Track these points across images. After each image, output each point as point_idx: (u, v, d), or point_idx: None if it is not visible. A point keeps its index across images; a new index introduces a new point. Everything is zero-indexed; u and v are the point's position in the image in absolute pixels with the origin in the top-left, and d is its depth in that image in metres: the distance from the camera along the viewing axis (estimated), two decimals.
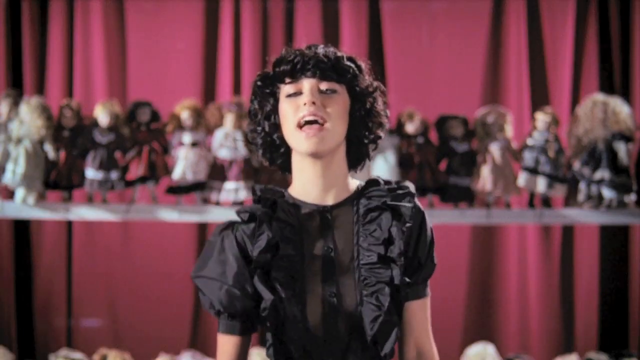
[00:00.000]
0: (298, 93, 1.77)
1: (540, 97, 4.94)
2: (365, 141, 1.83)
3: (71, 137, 4.19)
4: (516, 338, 4.96)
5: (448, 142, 4.26)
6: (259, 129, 1.83)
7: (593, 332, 4.96)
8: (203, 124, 4.24)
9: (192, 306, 5.02)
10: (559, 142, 4.23)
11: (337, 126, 1.76)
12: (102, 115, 4.17)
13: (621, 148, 4.11)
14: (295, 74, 1.78)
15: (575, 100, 4.86)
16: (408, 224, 1.77)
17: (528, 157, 4.19)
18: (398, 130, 4.27)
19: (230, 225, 1.81)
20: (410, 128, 4.23)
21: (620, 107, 4.16)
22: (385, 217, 1.77)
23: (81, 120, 4.24)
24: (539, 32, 5.00)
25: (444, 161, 4.29)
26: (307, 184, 1.81)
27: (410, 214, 1.78)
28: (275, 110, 1.81)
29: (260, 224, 1.76)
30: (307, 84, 1.77)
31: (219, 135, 4.19)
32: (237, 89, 4.99)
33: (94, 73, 5.01)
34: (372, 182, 1.83)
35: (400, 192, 1.80)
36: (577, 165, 4.18)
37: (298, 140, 1.76)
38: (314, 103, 1.74)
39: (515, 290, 4.98)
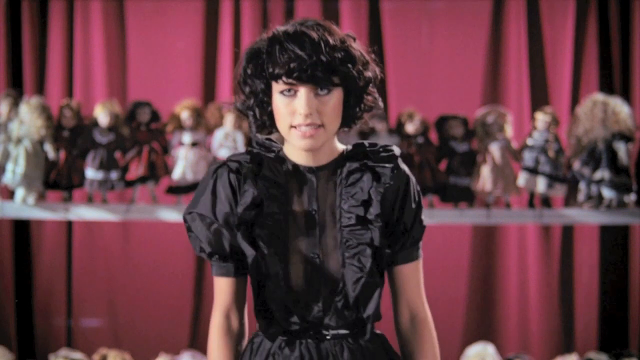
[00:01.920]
0: (293, 92, 1.74)
1: (540, 97, 4.94)
2: (358, 113, 1.82)
3: (71, 137, 4.19)
4: (516, 338, 4.96)
5: (448, 142, 4.26)
6: (250, 102, 1.80)
7: (593, 332, 4.96)
8: (203, 124, 4.24)
9: (192, 306, 5.02)
10: (559, 142, 4.23)
11: (332, 124, 1.77)
12: (102, 115, 4.17)
13: (621, 148, 4.11)
14: (290, 78, 1.72)
15: (575, 100, 4.86)
16: (386, 185, 1.77)
17: (528, 157, 4.19)
18: (398, 130, 4.27)
19: (224, 164, 1.82)
20: (410, 128, 4.23)
21: (620, 107, 4.15)
22: (367, 179, 1.78)
23: (81, 120, 4.24)
24: (539, 32, 5.00)
25: (444, 161, 4.29)
26: (297, 151, 1.81)
27: (391, 175, 1.78)
28: (266, 95, 1.78)
29: (244, 180, 1.77)
30: (303, 91, 1.72)
31: (219, 135, 4.19)
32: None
33: (94, 73, 5.01)
34: (358, 145, 1.84)
35: (383, 154, 1.81)
36: (577, 165, 4.18)
37: (292, 138, 1.76)
38: (310, 114, 1.72)
39: (515, 290, 4.98)
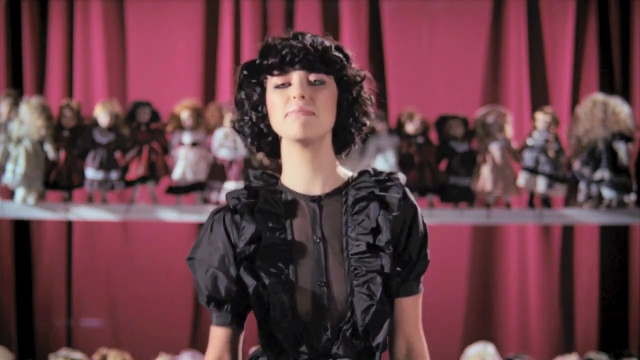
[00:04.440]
0: (286, 84, 1.76)
1: (540, 97, 4.94)
2: (352, 129, 1.83)
3: (71, 137, 4.19)
4: (516, 338, 4.96)
5: (448, 142, 4.26)
6: (246, 118, 1.83)
7: (593, 332, 4.96)
8: (203, 124, 4.24)
9: (192, 306, 5.02)
10: (559, 142, 4.23)
11: (326, 116, 1.77)
12: (102, 115, 4.17)
13: (621, 148, 4.11)
14: (284, 66, 1.76)
15: (575, 100, 4.86)
16: (395, 213, 1.76)
17: (528, 157, 4.19)
18: (398, 130, 4.27)
19: (223, 209, 1.83)
20: (410, 128, 4.23)
21: (620, 107, 4.15)
22: (374, 207, 1.77)
23: (81, 120, 4.24)
24: (539, 32, 5.00)
25: (444, 161, 4.29)
26: (296, 171, 1.81)
27: (398, 204, 1.77)
28: (262, 100, 1.81)
29: (241, 216, 1.78)
30: (296, 76, 1.76)
31: (219, 135, 4.19)
32: None
33: (94, 73, 5.01)
34: (362, 173, 1.83)
35: (389, 183, 1.80)
36: (577, 165, 4.18)
37: (287, 126, 1.75)
38: (303, 97, 1.74)
39: (515, 290, 4.98)
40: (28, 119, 4.09)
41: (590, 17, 4.95)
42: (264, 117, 1.81)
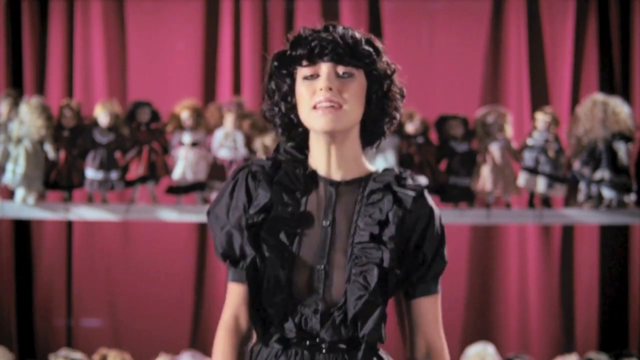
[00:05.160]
0: (315, 76, 1.78)
1: (540, 97, 4.94)
2: (381, 123, 1.84)
3: (71, 137, 4.18)
4: (516, 338, 4.96)
5: (448, 142, 4.26)
6: (276, 109, 1.84)
7: (593, 332, 4.96)
8: (203, 124, 4.24)
9: (192, 306, 5.02)
10: (559, 142, 4.23)
11: (354, 109, 1.77)
12: (102, 115, 4.17)
13: (621, 148, 4.11)
14: (312, 58, 1.77)
15: (575, 100, 4.86)
16: (406, 210, 1.77)
17: (528, 157, 4.19)
18: (398, 130, 4.26)
19: (246, 167, 1.85)
20: (410, 128, 4.23)
21: (620, 107, 4.15)
22: (387, 201, 1.78)
23: (81, 120, 4.24)
24: (539, 32, 5.00)
25: (444, 161, 4.29)
26: (321, 161, 1.82)
27: (412, 202, 1.78)
28: (292, 90, 1.82)
29: (258, 183, 1.80)
30: (324, 68, 1.77)
31: (219, 135, 4.19)
32: (237, 89, 4.98)
33: (94, 73, 5.01)
34: (387, 170, 1.84)
35: (409, 182, 1.82)
36: (577, 165, 4.18)
37: (314, 119, 1.76)
38: (330, 89, 1.75)
39: (515, 290, 4.98)
40: (28, 119, 4.09)
41: (590, 17, 4.95)
42: (293, 108, 1.82)
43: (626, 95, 4.72)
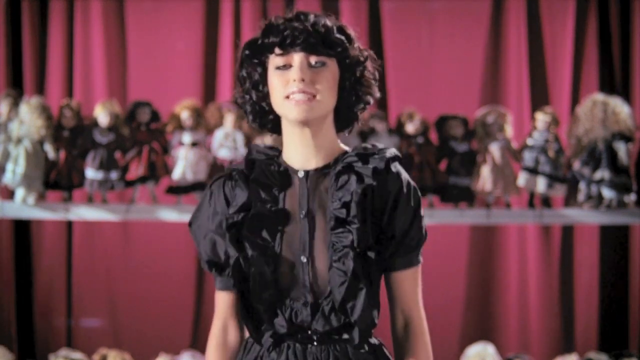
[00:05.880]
0: (287, 66, 1.76)
1: (540, 97, 4.94)
2: (354, 108, 1.82)
3: (71, 137, 4.19)
4: (516, 338, 4.96)
5: (448, 142, 4.26)
6: (247, 96, 1.84)
7: (593, 332, 4.96)
8: (203, 124, 4.24)
9: (192, 306, 5.02)
10: (559, 142, 4.23)
11: (326, 98, 1.76)
12: (102, 115, 4.17)
13: (621, 148, 4.11)
14: (284, 47, 1.77)
15: (575, 100, 4.86)
16: (368, 185, 1.74)
17: (528, 157, 4.19)
18: (398, 130, 4.27)
19: (223, 176, 1.85)
20: (410, 128, 4.23)
21: (620, 107, 4.15)
22: (353, 181, 1.76)
23: (81, 120, 4.24)
24: (539, 32, 5.00)
25: (444, 161, 4.29)
26: (295, 149, 1.81)
27: (374, 176, 1.75)
28: (263, 79, 1.81)
29: (235, 184, 1.80)
30: (297, 58, 1.75)
31: (219, 135, 4.19)
32: None
33: (94, 73, 5.01)
34: (356, 148, 1.82)
35: (373, 157, 1.79)
36: (577, 165, 4.18)
37: (287, 109, 1.75)
38: (303, 80, 1.73)
39: (515, 290, 4.98)
40: (28, 119, 4.09)
41: (590, 17, 4.96)
42: (265, 96, 1.81)
43: (626, 95, 4.72)
